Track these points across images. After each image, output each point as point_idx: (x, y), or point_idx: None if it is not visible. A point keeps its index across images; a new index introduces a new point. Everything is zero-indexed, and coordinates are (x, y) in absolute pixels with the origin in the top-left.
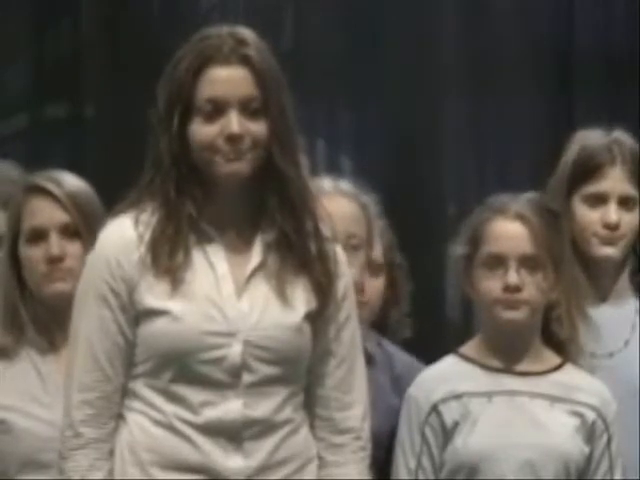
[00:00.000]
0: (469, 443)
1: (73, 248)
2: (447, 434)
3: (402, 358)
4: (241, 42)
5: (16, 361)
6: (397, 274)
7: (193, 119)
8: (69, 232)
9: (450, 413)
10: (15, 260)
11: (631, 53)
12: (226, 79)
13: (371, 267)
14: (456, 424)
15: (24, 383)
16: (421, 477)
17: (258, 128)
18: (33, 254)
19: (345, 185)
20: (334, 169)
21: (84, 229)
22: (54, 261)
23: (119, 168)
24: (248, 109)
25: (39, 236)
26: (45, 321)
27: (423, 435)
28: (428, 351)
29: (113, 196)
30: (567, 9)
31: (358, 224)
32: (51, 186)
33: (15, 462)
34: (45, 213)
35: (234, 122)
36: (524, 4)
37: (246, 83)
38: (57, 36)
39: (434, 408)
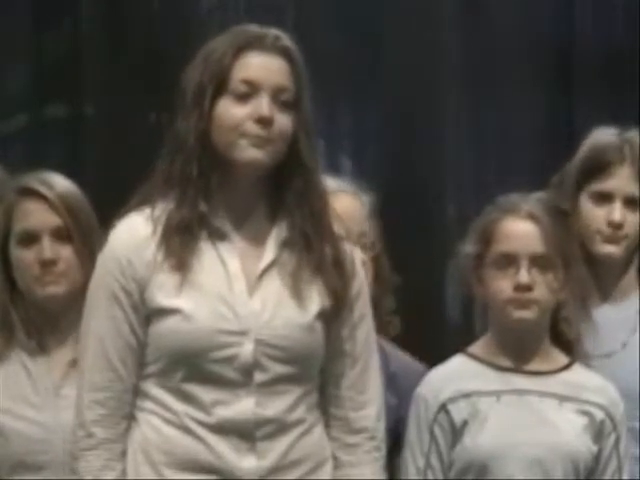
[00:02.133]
0: (478, 442)
1: (65, 251)
2: (456, 433)
3: (397, 356)
4: (281, 37)
5: (6, 363)
6: (382, 269)
7: (223, 99)
8: (61, 235)
9: (459, 412)
10: (5, 261)
11: (631, 53)
12: (264, 64)
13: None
14: (465, 423)
15: (14, 385)
16: (430, 476)
17: (285, 120)
18: (25, 257)
19: (346, 184)
20: (334, 169)
21: (75, 232)
22: (47, 265)
23: (119, 168)
24: (279, 99)
25: (31, 239)
26: (36, 323)
27: (432, 434)
28: (428, 351)
29: (113, 196)
30: (567, 9)
31: (366, 222)
32: (43, 189)
33: (6, 464)
34: (37, 216)
35: (265, 105)
36: (524, 4)
37: (282, 73)
38: (57, 36)
39: (443, 407)
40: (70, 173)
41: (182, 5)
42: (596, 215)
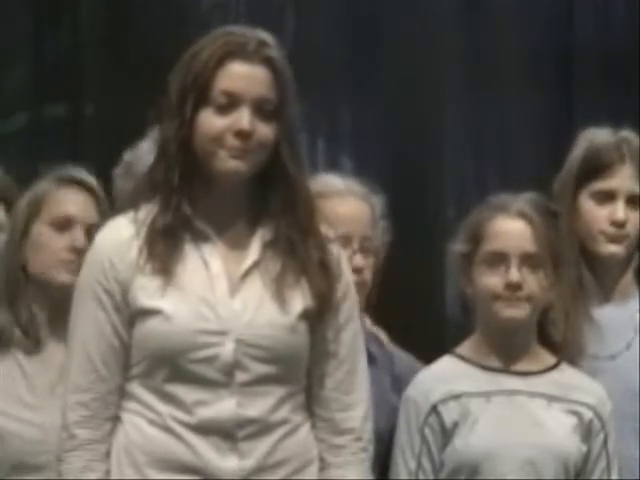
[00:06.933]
0: (470, 443)
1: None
2: (447, 434)
3: (402, 358)
4: (265, 44)
5: (1, 362)
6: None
7: (205, 109)
8: (90, 230)
9: (449, 413)
10: (21, 247)
11: (631, 53)
12: (246, 75)
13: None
14: (456, 424)
15: (10, 385)
16: (421, 477)
17: (266, 130)
18: (56, 241)
19: (356, 185)
20: (334, 169)
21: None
22: (78, 252)
23: None
24: (261, 110)
25: (66, 225)
26: (34, 321)
27: (423, 436)
28: (428, 351)
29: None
30: (567, 9)
31: (372, 226)
32: (91, 182)
33: (5, 465)
34: (78, 205)
35: (245, 118)
36: (524, 4)
37: (265, 84)
38: (57, 36)
39: (433, 409)
40: None
41: (182, 5)
42: (599, 215)
